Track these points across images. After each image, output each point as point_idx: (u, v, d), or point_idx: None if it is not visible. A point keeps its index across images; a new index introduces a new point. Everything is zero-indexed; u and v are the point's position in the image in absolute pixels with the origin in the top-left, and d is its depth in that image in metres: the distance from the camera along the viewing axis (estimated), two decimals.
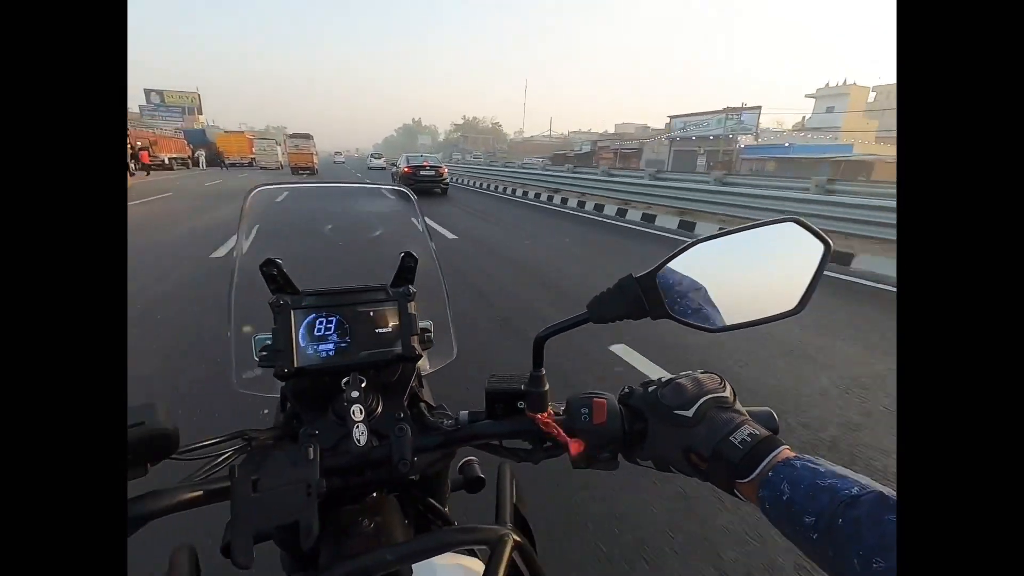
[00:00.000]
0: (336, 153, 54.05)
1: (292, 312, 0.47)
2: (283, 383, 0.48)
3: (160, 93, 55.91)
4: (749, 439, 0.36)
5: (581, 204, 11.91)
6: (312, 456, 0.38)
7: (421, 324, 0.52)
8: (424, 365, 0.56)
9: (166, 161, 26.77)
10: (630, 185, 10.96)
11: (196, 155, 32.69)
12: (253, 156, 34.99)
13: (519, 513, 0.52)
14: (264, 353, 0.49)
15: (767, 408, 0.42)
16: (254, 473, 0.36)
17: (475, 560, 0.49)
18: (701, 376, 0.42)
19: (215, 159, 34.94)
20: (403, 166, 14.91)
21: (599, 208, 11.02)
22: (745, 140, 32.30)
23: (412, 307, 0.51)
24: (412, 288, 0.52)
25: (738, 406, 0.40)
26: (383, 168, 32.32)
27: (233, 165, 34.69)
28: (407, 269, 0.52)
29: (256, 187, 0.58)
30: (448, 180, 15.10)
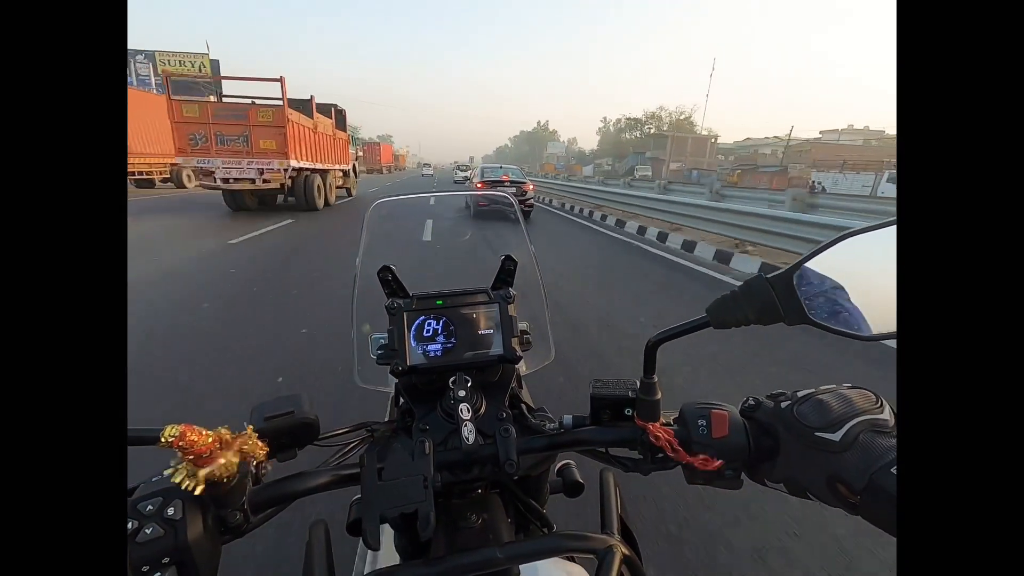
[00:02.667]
0: (425, 165, 47.82)
1: (404, 314, 0.50)
2: (397, 380, 0.52)
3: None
4: None
5: None
6: (427, 451, 0.40)
7: (520, 326, 0.53)
8: (521, 366, 0.57)
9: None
10: None
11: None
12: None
13: (624, 524, 0.50)
14: (380, 351, 0.53)
15: None
16: (379, 463, 0.39)
17: (579, 568, 0.48)
18: (850, 392, 0.36)
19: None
20: (477, 180, 12.11)
21: None
22: None
23: (512, 309, 0.52)
24: (512, 291, 0.53)
25: None
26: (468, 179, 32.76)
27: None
28: (507, 271, 0.53)
29: (376, 201, 0.64)
30: (533, 199, 11.94)
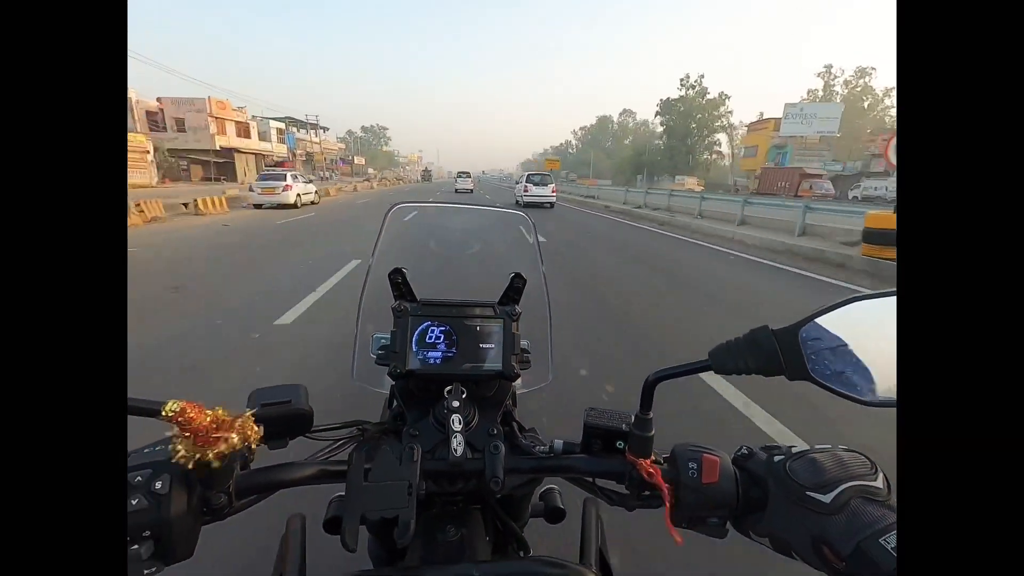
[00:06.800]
0: (460, 175, 34.18)
1: (409, 318, 0.51)
2: (393, 382, 0.52)
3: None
4: None
5: None
6: (415, 458, 0.40)
7: (521, 344, 0.53)
8: (517, 384, 0.57)
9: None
10: None
11: None
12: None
13: (603, 557, 0.49)
14: (381, 352, 0.53)
15: None
16: (367, 463, 0.39)
17: None
18: (844, 455, 0.36)
19: None
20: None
21: None
22: None
23: (516, 327, 0.52)
24: (518, 308, 0.53)
25: (892, 500, 0.33)
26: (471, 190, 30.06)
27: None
28: (515, 289, 0.54)
29: (395, 205, 0.64)
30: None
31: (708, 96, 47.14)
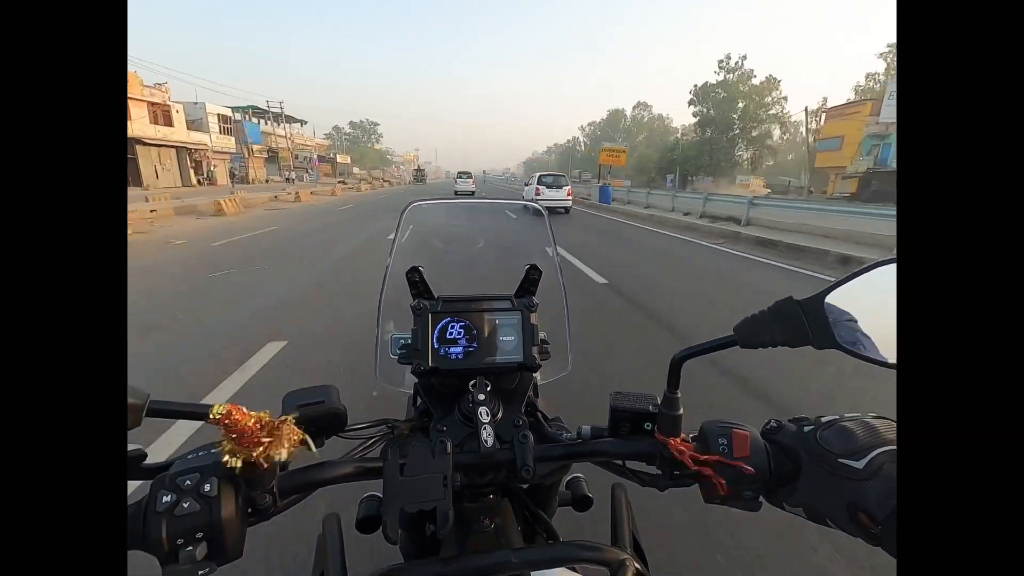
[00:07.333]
0: (461, 176, 35.54)
1: (429, 316, 0.60)
2: (417, 379, 0.60)
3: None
4: None
5: None
6: (448, 450, 0.47)
7: (540, 335, 0.62)
8: (539, 376, 0.66)
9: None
10: None
11: None
12: None
13: (636, 540, 0.56)
14: (402, 351, 0.63)
15: None
16: (401, 458, 0.46)
17: None
18: (875, 422, 0.42)
19: None
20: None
21: None
22: None
23: (534, 318, 0.61)
24: (535, 300, 0.62)
25: None
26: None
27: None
28: (531, 281, 0.63)
29: (411, 203, 0.76)
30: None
31: (753, 80, 44.55)
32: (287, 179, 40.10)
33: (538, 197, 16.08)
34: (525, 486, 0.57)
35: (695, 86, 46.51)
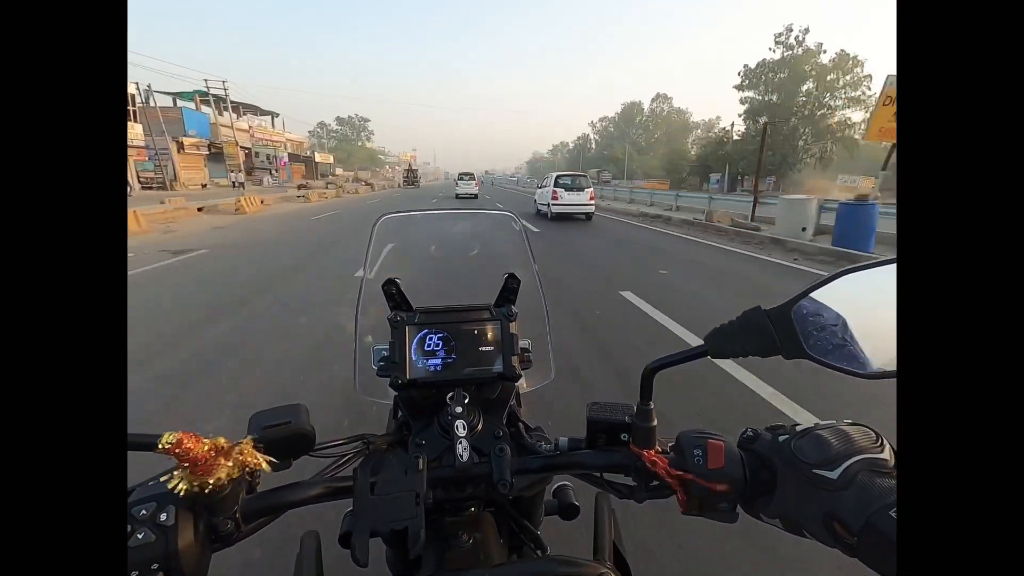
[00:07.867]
0: (462, 177, 36.80)
1: (406, 328, 0.68)
2: (396, 392, 0.68)
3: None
4: None
5: None
6: (421, 467, 0.53)
7: (521, 344, 0.70)
8: (521, 384, 0.74)
9: None
10: None
11: None
12: None
13: (618, 550, 0.64)
14: (382, 363, 0.70)
15: None
16: (372, 476, 0.52)
17: None
18: (849, 429, 0.47)
19: None
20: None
21: None
22: None
23: (514, 327, 0.69)
24: (514, 308, 0.71)
25: None
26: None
27: None
28: (510, 289, 0.71)
29: (383, 215, 0.86)
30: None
31: (822, 57, 40.43)
32: (233, 183, 34.67)
33: (555, 202, 15.80)
34: (509, 498, 0.63)
35: (744, 67, 43.77)
